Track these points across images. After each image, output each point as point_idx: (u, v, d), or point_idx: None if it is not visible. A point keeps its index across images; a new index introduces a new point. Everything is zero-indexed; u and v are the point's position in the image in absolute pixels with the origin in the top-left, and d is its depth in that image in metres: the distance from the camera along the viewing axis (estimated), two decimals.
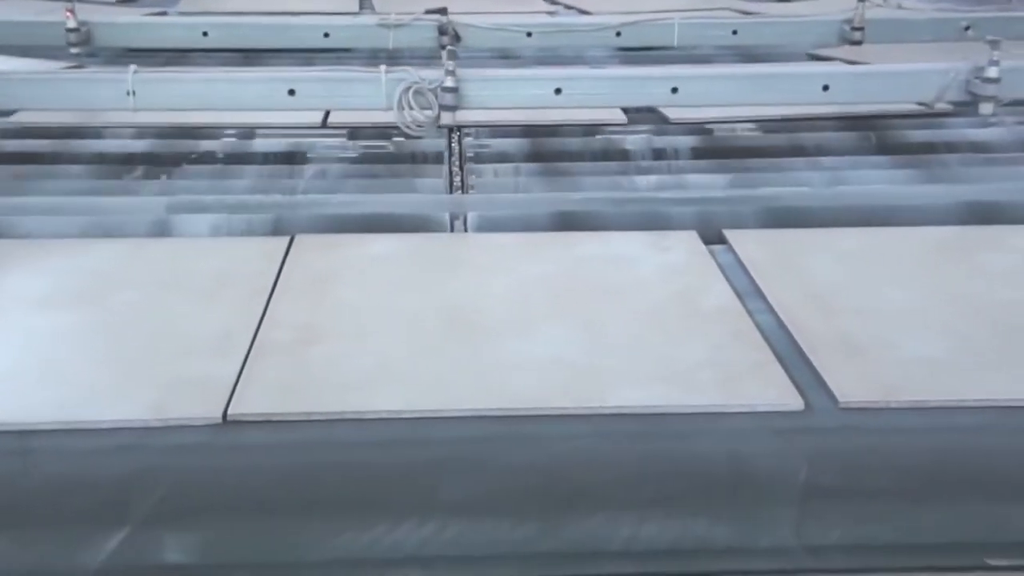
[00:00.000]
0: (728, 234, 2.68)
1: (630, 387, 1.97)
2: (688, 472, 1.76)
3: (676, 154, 3.41)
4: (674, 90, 3.33)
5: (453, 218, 2.85)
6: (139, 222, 2.78)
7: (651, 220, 2.80)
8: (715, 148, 3.47)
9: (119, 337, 2.17)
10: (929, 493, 1.71)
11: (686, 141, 3.50)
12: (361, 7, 5.74)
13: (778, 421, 1.89)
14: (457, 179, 3.21)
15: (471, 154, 3.37)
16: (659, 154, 3.42)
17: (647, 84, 3.40)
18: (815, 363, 2.05)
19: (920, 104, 3.60)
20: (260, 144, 3.45)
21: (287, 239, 2.65)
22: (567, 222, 2.80)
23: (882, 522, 1.64)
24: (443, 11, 4.70)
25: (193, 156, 3.36)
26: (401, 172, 3.26)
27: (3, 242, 2.65)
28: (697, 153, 3.43)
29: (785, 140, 3.51)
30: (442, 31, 4.57)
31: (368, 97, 3.19)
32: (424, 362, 2.06)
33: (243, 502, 1.69)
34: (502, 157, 3.38)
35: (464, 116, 3.34)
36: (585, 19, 5.20)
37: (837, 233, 2.71)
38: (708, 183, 3.16)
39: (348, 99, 3.26)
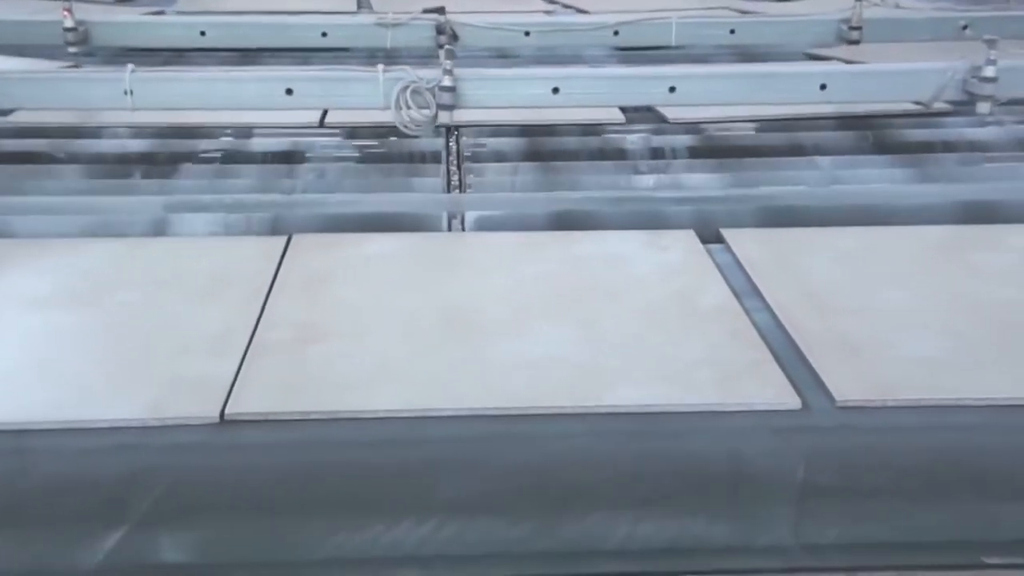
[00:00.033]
0: (726, 233, 2.68)
1: (627, 386, 1.97)
2: (685, 471, 1.76)
3: (674, 153, 3.42)
4: (672, 89, 3.33)
5: (451, 217, 2.86)
6: (136, 221, 2.78)
7: (649, 219, 2.80)
8: (713, 148, 3.47)
9: (116, 336, 2.17)
10: (926, 491, 1.71)
11: (684, 140, 3.50)
12: (359, 6, 5.74)
13: (775, 420, 1.89)
14: (455, 178, 3.21)
15: (469, 153, 3.37)
16: (657, 153, 3.42)
17: (645, 83, 3.40)
18: (812, 362, 2.05)
19: (917, 103, 3.61)
20: (257, 144, 3.44)
21: (285, 238, 2.65)
22: (565, 221, 2.80)
23: (879, 521, 1.64)
24: (441, 10, 4.70)
25: (190, 156, 3.35)
26: (399, 171, 3.26)
27: (1, 241, 2.65)
28: (695, 152, 3.43)
29: (783, 140, 3.52)
30: (440, 30, 4.57)
31: (366, 96, 3.19)
32: (422, 361, 2.06)
33: (241, 501, 1.69)
34: (500, 156, 3.38)
35: (462, 115, 3.34)
36: (583, 18, 5.20)
37: (834, 232, 2.71)
38: (706, 182, 3.16)
39: (346, 98, 3.26)
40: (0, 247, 2.60)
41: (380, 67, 3.19)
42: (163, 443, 1.82)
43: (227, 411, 1.88)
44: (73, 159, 3.32)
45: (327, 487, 1.72)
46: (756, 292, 2.37)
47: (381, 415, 1.89)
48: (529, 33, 4.70)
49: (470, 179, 3.18)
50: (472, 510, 1.66)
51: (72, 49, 4.48)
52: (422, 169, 3.29)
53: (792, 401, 1.93)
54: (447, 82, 3.15)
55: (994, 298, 2.34)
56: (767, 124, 3.64)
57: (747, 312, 2.27)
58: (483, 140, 3.49)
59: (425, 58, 4.26)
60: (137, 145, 3.46)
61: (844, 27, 4.70)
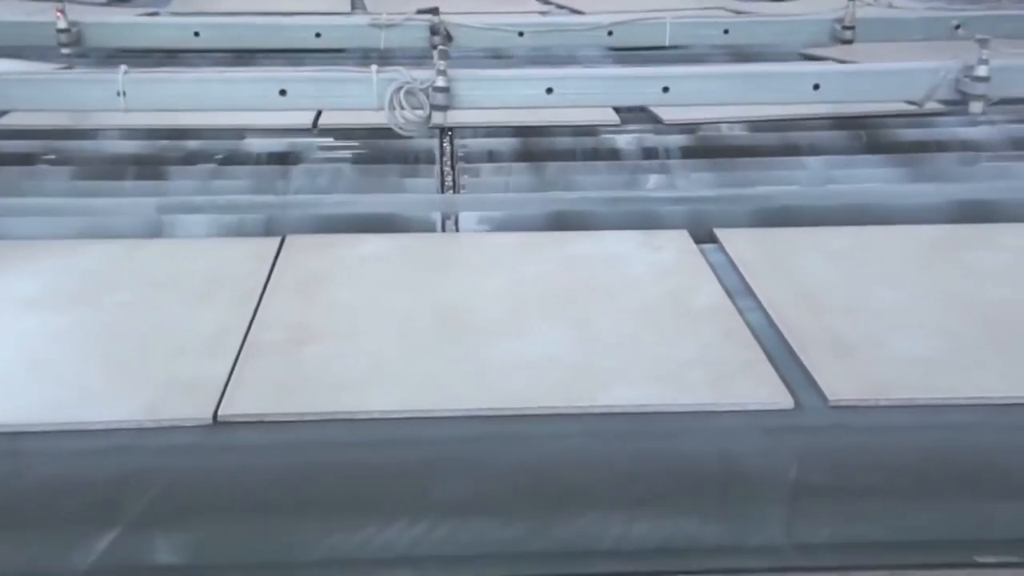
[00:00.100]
0: (719, 233, 2.69)
1: (621, 386, 1.97)
2: (678, 471, 1.76)
3: (667, 154, 3.42)
4: (665, 89, 3.33)
5: (445, 218, 2.86)
6: (130, 223, 2.78)
7: (643, 219, 2.81)
8: (707, 148, 3.47)
9: (110, 338, 2.17)
10: (919, 491, 1.72)
11: (677, 140, 3.51)
12: (353, 7, 5.73)
13: (768, 420, 1.90)
14: (449, 179, 3.21)
15: (462, 154, 3.37)
16: (651, 154, 3.42)
17: (638, 83, 3.40)
18: (805, 362, 2.06)
19: (910, 103, 3.61)
20: (251, 145, 3.44)
21: (278, 239, 2.65)
22: (559, 221, 2.81)
23: (872, 520, 1.65)
24: (435, 11, 4.69)
25: (184, 157, 3.35)
26: (392, 172, 3.26)
27: None
28: (689, 153, 3.43)
29: (776, 140, 3.52)
30: (434, 31, 4.57)
31: (359, 97, 3.19)
32: (416, 362, 2.07)
33: (235, 503, 1.69)
34: (494, 157, 3.38)
35: (456, 116, 3.34)
36: (577, 19, 5.20)
37: (828, 232, 2.71)
38: (700, 183, 3.16)
39: (339, 99, 3.25)
40: None
41: (374, 68, 3.19)
42: (156, 445, 1.82)
43: (220, 412, 1.88)
44: (66, 161, 3.31)
45: (321, 488, 1.72)
46: (749, 292, 2.38)
47: (375, 416, 1.89)
48: (523, 33, 4.70)
49: (464, 180, 3.18)
50: (467, 510, 1.66)
51: (65, 50, 4.46)
52: (416, 170, 3.28)
53: (785, 401, 1.94)
54: (441, 83, 3.14)
55: (987, 297, 2.34)
56: (761, 125, 3.64)
57: (740, 312, 2.28)
58: (477, 140, 3.49)
59: (419, 59, 4.25)
60: (130, 147, 3.45)
61: (838, 27, 4.70)
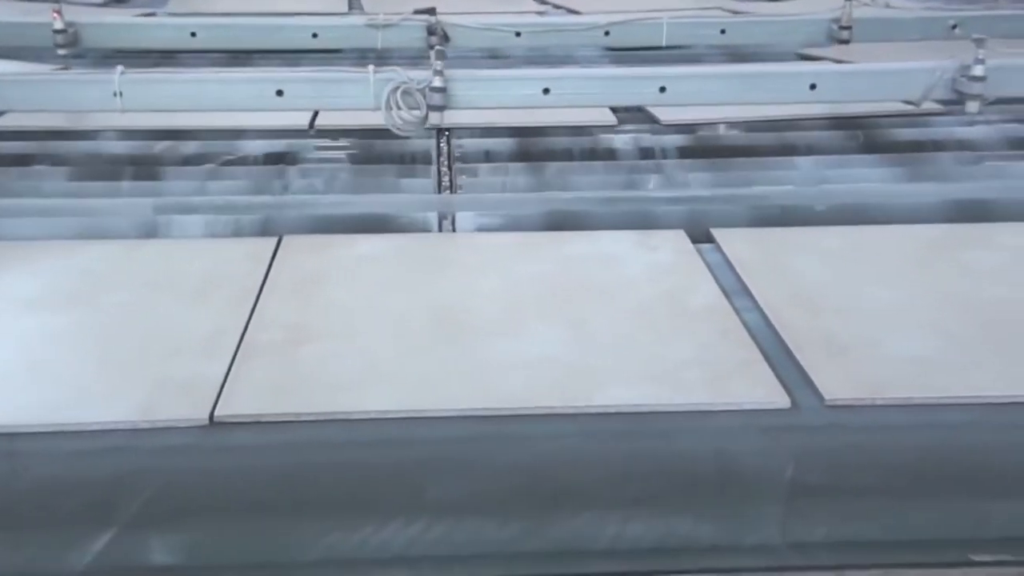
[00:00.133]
0: (716, 233, 2.69)
1: (618, 386, 1.97)
2: (675, 471, 1.76)
3: (664, 154, 3.42)
4: (662, 89, 3.33)
5: (441, 218, 2.86)
6: (127, 224, 2.77)
7: (639, 219, 2.81)
8: (704, 148, 3.47)
9: (107, 339, 2.17)
10: (915, 490, 1.72)
11: (674, 140, 3.51)
12: (349, 7, 5.73)
13: (765, 419, 1.90)
14: (445, 179, 3.21)
15: (459, 154, 3.37)
16: (648, 154, 3.42)
17: (635, 84, 3.40)
18: (802, 361, 2.06)
19: (907, 103, 3.61)
20: (247, 146, 3.44)
21: (275, 240, 2.65)
22: (556, 222, 2.81)
23: (868, 519, 1.65)
24: (432, 11, 4.69)
25: (181, 158, 3.35)
26: (389, 172, 3.26)
27: None
28: (686, 153, 3.43)
29: (774, 140, 3.52)
30: (431, 31, 4.56)
31: (356, 97, 3.18)
32: (413, 362, 2.07)
33: (231, 503, 1.69)
34: (491, 157, 3.38)
35: (453, 116, 3.34)
36: (574, 19, 5.19)
37: (824, 232, 2.72)
38: (697, 183, 3.16)
39: (336, 99, 3.25)
40: None
41: (371, 68, 3.19)
42: (153, 445, 1.82)
43: (216, 413, 1.88)
44: (63, 161, 3.31)
45: (317, 488, 1.72)
46: (746, 291, 2.38)
47: (372, 416, 1.89)
48: (520, 34, 4.69)
49: (461, 180, 3.18)
50: (462, 510, 1.66)
51: (62, 51, 4.45)
52: (413, 170, 3.29)
53: (781, 400, 1.94)
54: (438, 83, 3.14)
55: (984, 296, 2.34)
56: (758, 125, 3.65)
57: (737, 312, 2.28)
58: (474, 141, 3.49)
59: (416, 59, 4.25)
60: (127, 147, 3.45)
61: (834, 27, 4.70)
